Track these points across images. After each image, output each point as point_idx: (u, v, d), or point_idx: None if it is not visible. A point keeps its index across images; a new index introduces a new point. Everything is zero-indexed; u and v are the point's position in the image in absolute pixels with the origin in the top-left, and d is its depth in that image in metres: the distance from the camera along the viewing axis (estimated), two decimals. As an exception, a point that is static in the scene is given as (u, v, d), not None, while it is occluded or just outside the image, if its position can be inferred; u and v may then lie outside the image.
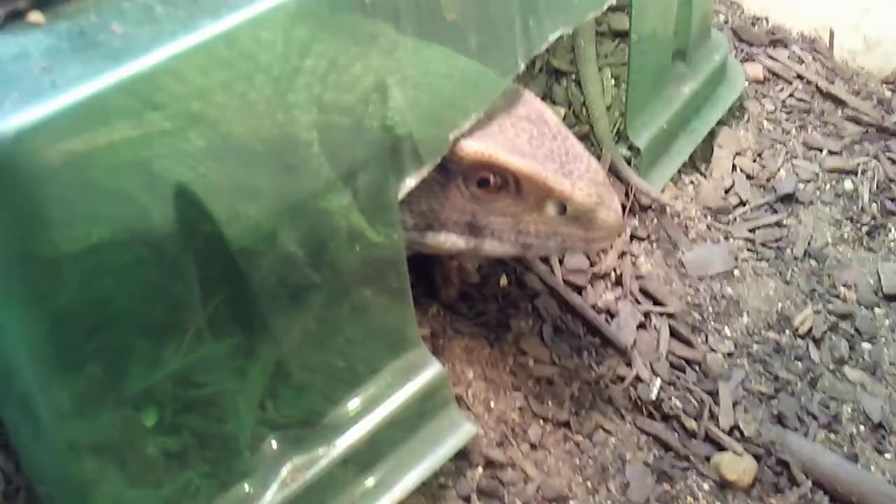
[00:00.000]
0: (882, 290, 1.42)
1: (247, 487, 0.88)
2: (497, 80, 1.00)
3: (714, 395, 1.20)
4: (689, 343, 1.26)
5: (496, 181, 0.96)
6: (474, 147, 0.94)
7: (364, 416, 0.95)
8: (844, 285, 1.42)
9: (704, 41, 1.61)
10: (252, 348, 0.89)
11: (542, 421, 1.12)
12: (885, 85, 1.88)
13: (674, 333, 1.27)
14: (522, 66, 1.04)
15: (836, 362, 1.30)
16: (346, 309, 0.93)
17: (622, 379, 1.19)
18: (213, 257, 0.79)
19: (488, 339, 1.16)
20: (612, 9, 1.24)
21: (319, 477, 0.91)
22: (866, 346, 1.33)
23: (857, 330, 1.35)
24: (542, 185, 0.94)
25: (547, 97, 1.53)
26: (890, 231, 1.53)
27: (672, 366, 1.23)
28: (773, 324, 1.33)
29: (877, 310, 1.39)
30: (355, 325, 0.95)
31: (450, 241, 1.00)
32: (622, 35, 1.54)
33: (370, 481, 0.95)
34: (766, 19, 1.99)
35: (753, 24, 1.97)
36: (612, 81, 1.54)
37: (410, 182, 0.92)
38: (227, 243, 0.78)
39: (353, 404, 0.95)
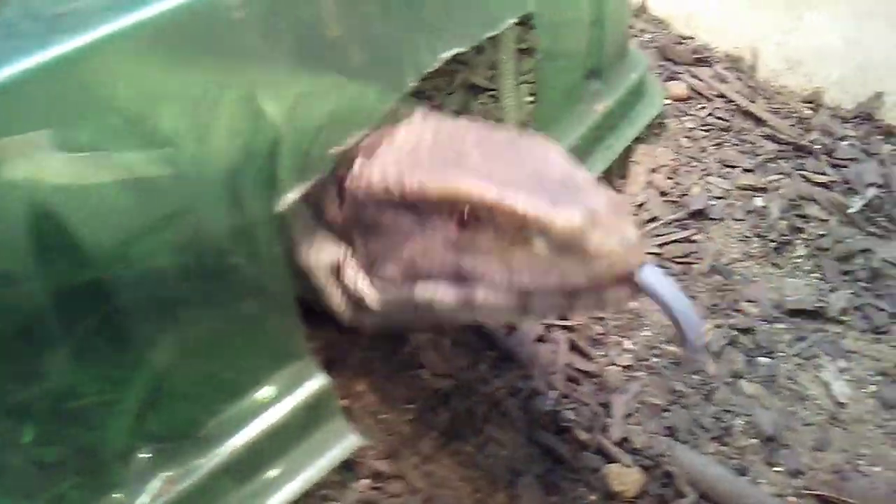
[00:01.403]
0: (784, 305, 1.45)
1: (118, 498, 0.89)
2: (383, 97, 1.02)
3: (608, 407, 1.23)
4: (587, 356, 1.28)
5: (471, 217, 0.86)
6: (435, 183, 0.88)
7: (243, 426, 0.97)
8: (747, 300, 1.45)
9: (621, 59, 1.64)
10: (130, 361, 0.90)
11: (434, 433, 1.14)
12: (805, 104, 1.92)
13: (573, 346, 1.29)
14: (411, 84, 1.05)
15: (732, 376, 1.32)
16: (224, 321, 0.94)
17: (518, 392, 1.21)
18: (77, 274, 0.80)
19: (384, 352, 1.18)
20: (532, 26, 1.28)
21: (194, 488, 0.92)
22: (764, 360, 1.36)
23: (756, 344, 1.38)
24: (512, 212, 0.82)
25: (464, 113, 1.55)
26: (797, 248, 1.57)
27: (569, 378, 1.25)
28: (673, 337, 1.35)
29: (777, 325, 1.43)
30: (236, 337, 0.96)
31: (438, 293, 0.89)
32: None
33: (248, 492, 0.96)
34: (693, 38, 2.04)
35: (679, 44, 2.02)
36: (530, 98, 1.57)
37: (291, 196, 0.94)
38: (91, 260, 0.79)
39: (233, 415, 0.96)
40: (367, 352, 1.16)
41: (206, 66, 0.82)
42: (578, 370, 1.26)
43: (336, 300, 1.01)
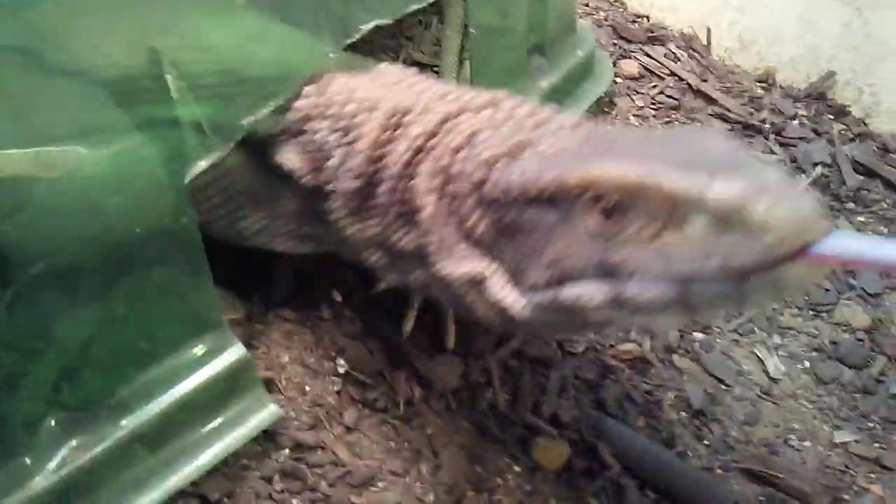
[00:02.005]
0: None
1: (25, 464, 0.89)
2: (301, 68, 1.01)
3: (542, 381, 1.23)
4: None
5: (617, 205, 0.77)
6: (575, 171, 0.79)
7: (157, 396, 0.96)
8: (687, 277, 1.46)
9: (567, 36, 1.63)
10: (42, 332, 0.89)
11: (360, 405, 1.14)
12: (758, 83, 1.92)
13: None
14: (332, 55, 1.05)
15: (665, 351, 1.33)
16: (136, 290, 0.93)
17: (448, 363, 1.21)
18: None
19: (311, 326, 1.18)
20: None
21: (104, 455, 0.91)
22: (700, 335, 1.37)
23: (692, 321, 1.39)
24: (660, 188, 0.74)
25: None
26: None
27: (505, 355, 1.25)
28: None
29: (715, 301, 1.43)
30: (149, 307, 0.96)
31: (585, 292, 0.80)
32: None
33: (160, 460, 0.96)
34: (647, 17, 2.04)
35: (634, 22, 2.02)
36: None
37: (202, 164, 0.93)
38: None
39: (146, 384, 0.96)
40: (293, 324, 1.16)
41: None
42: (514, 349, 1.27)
43: (482, 312, 0.92)
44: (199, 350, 0.99)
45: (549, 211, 0.82)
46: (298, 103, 0.98)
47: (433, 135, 0.91)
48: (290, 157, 0.99)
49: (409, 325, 1.20)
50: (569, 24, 1.64)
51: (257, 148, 1.00)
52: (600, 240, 0.78)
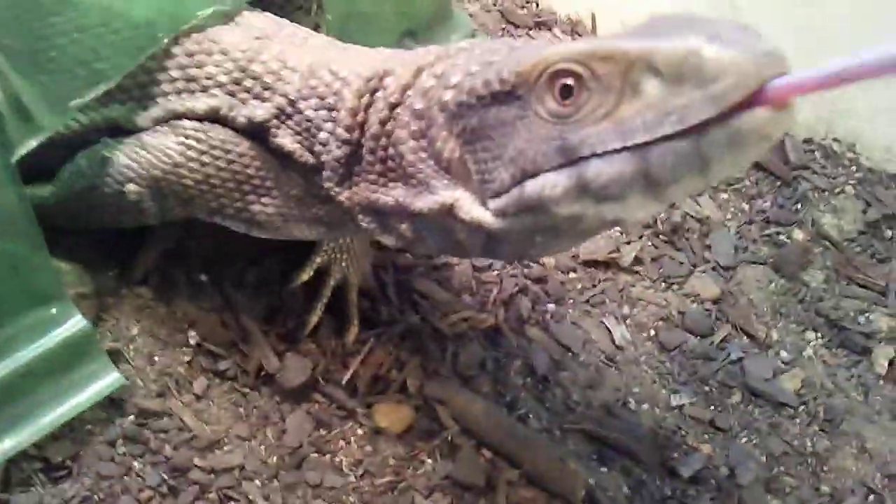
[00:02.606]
0: (580, 256, 1.53)
1: None
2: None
3: (394, 351, 1.30)
4: (378, 302, 1.35)
5: (573, 85, 0.76)
6: (530, 57, 0.80)
7: (-7, 362, 1.01)
8: (548, 251, 1.53)
9: (442, 21, 1.69)
10: None
11: (210, 374, 1.19)
12: (639, 67, 1.99)
13: (366, 294, 1.36)
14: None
15: (518, 320, 1.40)
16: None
17: (296, 335, 1.27)
18: None
19: (166, 301, 1.22)
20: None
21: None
22: (552, 307, 1.45)
23: (546, 292, 1.46)
24: (610, 55, 0.73)
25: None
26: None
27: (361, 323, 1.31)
28: (472, 288, 1.43)
29: (572, 275, 1.51)
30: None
31: (549, 182, 0.79)
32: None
33: (-3, 424, 1.01)
34: (536, 3, 2.10)
35: (523, 7, 2.08)
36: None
37: (32, 143, 0.98)
38: None
39: (-18, 352, 1.01)
40: (147, 300, 1.21)
41: None
42: (367, 318, 1.32)
43: (465, 242, 0.92)
44: (37, 320, 1.04)
45: (510, 105, 0.82)
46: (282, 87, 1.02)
47: (407, 87, 0.93)
48: (284, 141, 1.02)
49: (303, 277, 1.26)
50: (443, 9, 1.69)
51: (258, 134, 1.04)
52: (558, 123, 0.78)
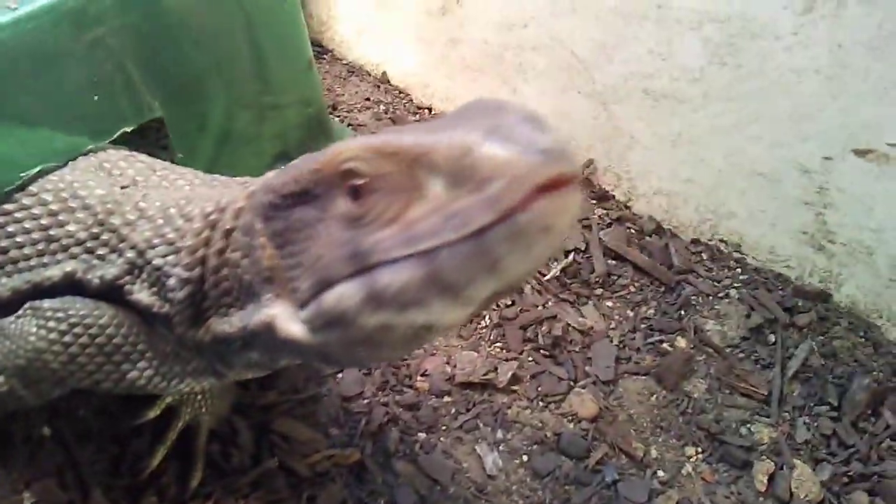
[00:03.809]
0: (456, 378, 1.51)
1: None
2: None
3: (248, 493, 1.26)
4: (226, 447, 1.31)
5: (365, 184, 0.72)
6: (324, 154, 0.75)
7: None
8: (422, 375, 1.51)
9: (318, 140, 1.69)
10: None
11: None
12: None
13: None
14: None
15: (384, 455, 1.37)
16: None
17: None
18: None
19: (2, 461, 1.18)
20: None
21: None
22: (423, 436, 1.42)
23: (417, 420, 1.43)
24: (395, 152, 0.69)
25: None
26: (483, 318, 1.64)
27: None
28: (340, 420, 1.39)
29: (446, 398, 1.48)
30: None
31: (345, 294, 0.73)
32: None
33: None
34: (430, 108, 2.12)
35: (415, 114, 2.09)
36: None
37: None
38: None
39: None
40: (-20, 459, 1.17)
41: None
42: (215, 463, 1.29)
43: (295, 354, 0.87)
44: None
45: (311, 205, 0.77)
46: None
47: (241, 210, 0.89)
48: (140, 296, 0.97)
49: (149, 414, 1.21)
50: (320, 127, 1.70)
51: (114, 293, 0.98)
52: (350, 227, 0.73)
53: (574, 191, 0.63)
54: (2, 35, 1.07)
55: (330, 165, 0.74)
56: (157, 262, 0.96)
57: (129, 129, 1.24)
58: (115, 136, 1.21)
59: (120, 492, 1.20)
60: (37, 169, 1.05)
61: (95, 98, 1.17)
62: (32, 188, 1.04)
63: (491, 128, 0.64)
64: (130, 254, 0.97)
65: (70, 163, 1.08)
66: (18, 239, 1.02)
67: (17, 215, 1.03)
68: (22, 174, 1.03)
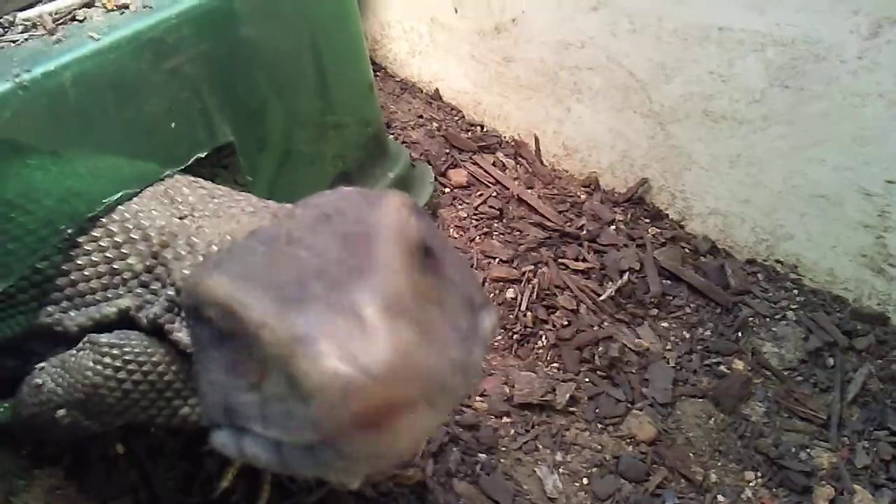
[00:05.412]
0: (514, 399, 1.52)
1: None
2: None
3: None
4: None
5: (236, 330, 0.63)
6: (204, 280, 0.66)
7: None
8: (480, 396, 1.52)
9: (377, 160, 1.71)
10: None
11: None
12: (583, 188, 2.01)
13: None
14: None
15: (446, 475, 1.38)
16: None
17: None
18: None
19: (78, 481, 1.20)
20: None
21: None
22: (483, 456, 1.43)
23: (477, 440, 1.44)
24: (244, 318, 0.60)
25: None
26: (540, 339, 1.65)
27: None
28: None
29: (504, 419, 1.49)
30: None
31: (226, 443, 0.68)
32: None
33: None
34: (482, 126, 2.13)
35: (467, 131, 2.10)
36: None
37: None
38: None
39: None
40: (59, 479, 1.19)
41: None
42: (281, 484, 1.31)
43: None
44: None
45: (205, 325, 0.69)
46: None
47: None
48: (177, 336, 0.94)
49: (226, 481, 1.20)
50: (379, 147, 1.72)
51: (159, 334, 0.96)
52: (226, 370, 0.65)
53: (415, 413, 0.54)
54: (87, 65, 1.09)
55: (191, 298, 0.67)
56: None
57: (202, 155, 1.27)
58: (189, 162, 1.24)
59: (191, 510, 1.23)
60: (118, 195, 1.06)
61: (173, 125, 1.19)
62: (103, 219, 1.04)
63: (324, 324, 0.54)
64: (171, 291, 0.95)
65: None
66: (87, 272, 1.02)
67: (87, 247, 1.03)
68: (104, 201, 1.05)
